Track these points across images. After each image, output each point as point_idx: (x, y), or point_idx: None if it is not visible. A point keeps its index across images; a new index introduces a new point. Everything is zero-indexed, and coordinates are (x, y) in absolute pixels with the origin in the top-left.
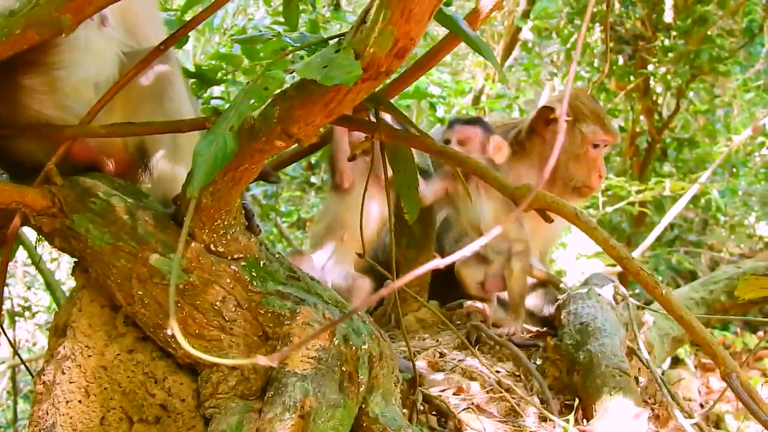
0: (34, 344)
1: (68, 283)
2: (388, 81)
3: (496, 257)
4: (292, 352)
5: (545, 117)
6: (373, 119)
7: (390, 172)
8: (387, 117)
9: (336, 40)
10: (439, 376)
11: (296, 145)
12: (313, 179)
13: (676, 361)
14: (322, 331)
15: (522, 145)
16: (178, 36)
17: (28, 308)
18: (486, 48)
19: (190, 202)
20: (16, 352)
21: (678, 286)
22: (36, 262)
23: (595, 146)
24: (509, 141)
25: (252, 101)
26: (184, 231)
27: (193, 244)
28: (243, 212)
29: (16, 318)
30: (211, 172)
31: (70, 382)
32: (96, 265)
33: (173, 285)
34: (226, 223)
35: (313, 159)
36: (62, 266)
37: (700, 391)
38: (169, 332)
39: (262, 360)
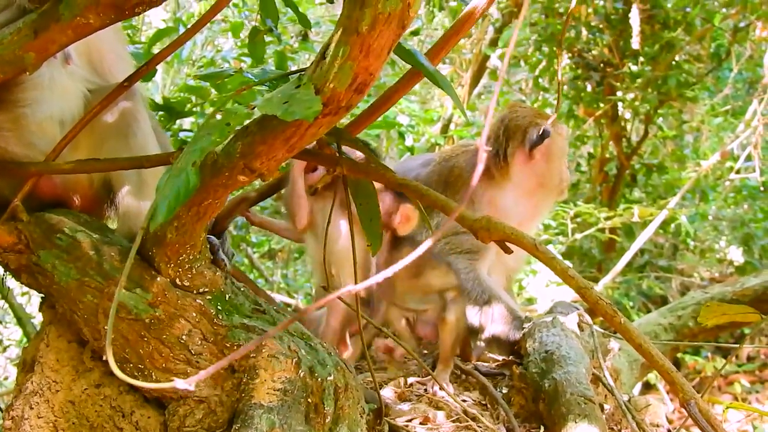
0: (6, 378)
1: (39, 317)
2: (356, 113)
3: (425, 307)
4: (259, 384)
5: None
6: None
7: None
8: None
9: (296, 75)
10: (406, 406)
11: (259, 179)
12: (283, 210)
13: (648, 387)
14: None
15: (501, 170)
16: (143, 72)
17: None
18: (444, 81)
19: (140, 233)
20: None
21: (649, 311)
22: (5, 295)
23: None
24: (486, 166)
25: (214, 137)
26: (131, 258)
27: (158, 279)
28: (208, 246)
29: None
30: (174, 206)
31: (39, 417)
32: (63, 300)
33: (113, 309)
34: (191, 257)
35: (283, 189)
36: (33, 300)
37: (670, 418)
38: (104, 358)
39: (180, 384)
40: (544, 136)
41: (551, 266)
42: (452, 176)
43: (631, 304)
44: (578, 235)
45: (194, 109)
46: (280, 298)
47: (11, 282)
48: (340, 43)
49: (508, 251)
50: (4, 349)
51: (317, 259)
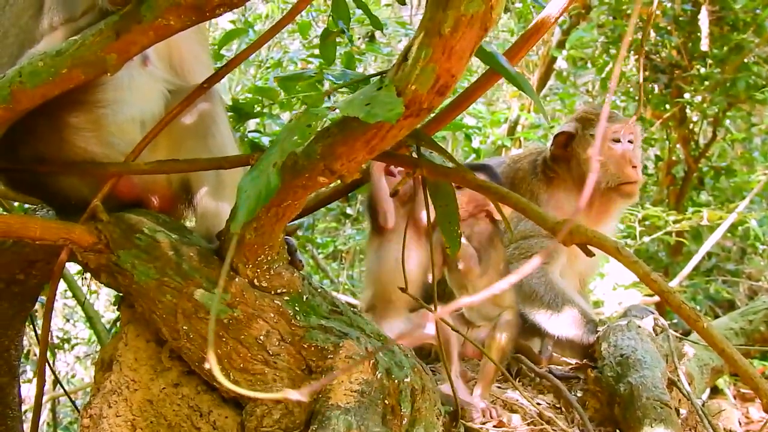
0: (73, 376)
1: (107, 315)
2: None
3: (482, 322)
4: (336, 385)
5: (561, 143)
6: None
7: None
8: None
9: (378, 77)
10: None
11: (339, 180)
12: (348, 210)
13: (716, 392)
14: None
15: (554, 172)
16: (221, 74)
17: (68, 340)
18: (526, 83)
19: (232, 238)
20: (60, 384)
21: (716, 316)
22: (81, 300)
23: (615, 141)
24: (538, 171)
25: (295, 138)
26: (226, 265)
27: (236, 279)
28: (286, 247)
29: (55, 350)
30: (255, 207)
31: (117, 416)
32: (141, 300)
33: (213, 320)
34: (269, 258)
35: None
36: (101, 298)
37: (740, 422)
38: (206, 366)
39: (293, 395)
40: (559, 136)
41: (634, 270)
42: (517, 178)
43: (698, 308)
44: (646, 239)
45: (263, 111)
46: (345, 299)
47: (80, 281)
48: (422, 45)
49: (589, 254)
50: (72, 348)
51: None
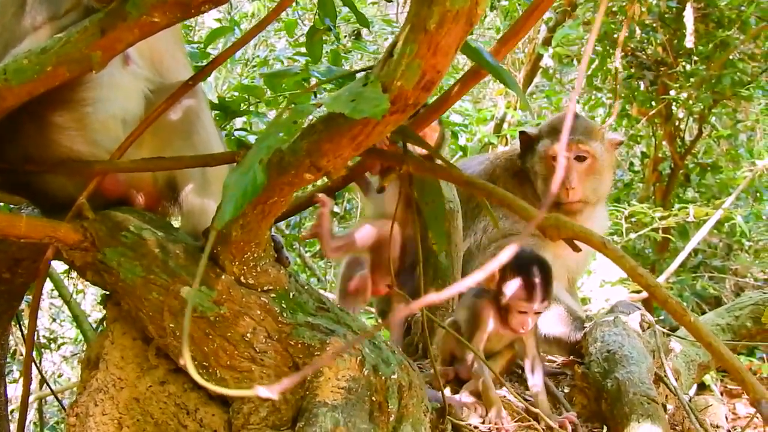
0: (60, 376)
1: (93, 315)
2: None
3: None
4: (323, 382)
5: (524, 142)
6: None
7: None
8: None
9: (363, 73)
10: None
11: (325, 177)
12: (336, 209)
13: (702, 388)
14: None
15: (524, 172)
16: (206, 71)
17: (54, 340)
18: (510, 78)
19: (212, 233)
20: (47, 383)
21: (703, 312)
22: (67, 298)
23: (555, 159)
24: (509, 168)
25: (281, 135)
26: (203, 260)
27: (223, 277)
28: (272, 244)
29: (42, 350)
30: (241, 204)
31: (103, 414)
32: (128, 298)
33: (188, 314)
34: (255, 255)
35: None
36: (87, 298)
37: (727, 417)
38: (181, 362)
39: (262, 392)
40: (521, 135)
41: (620, 264)
42: (494, 175)
43: (685, 304)
44: (633, 235)
45: (249, 109)
46: (333, 297)
47: (66, 280)
48: (407, 41)
49: (576, 249)
50: (58, 347)
51: None
